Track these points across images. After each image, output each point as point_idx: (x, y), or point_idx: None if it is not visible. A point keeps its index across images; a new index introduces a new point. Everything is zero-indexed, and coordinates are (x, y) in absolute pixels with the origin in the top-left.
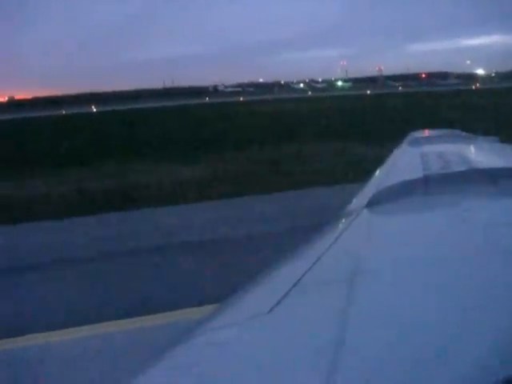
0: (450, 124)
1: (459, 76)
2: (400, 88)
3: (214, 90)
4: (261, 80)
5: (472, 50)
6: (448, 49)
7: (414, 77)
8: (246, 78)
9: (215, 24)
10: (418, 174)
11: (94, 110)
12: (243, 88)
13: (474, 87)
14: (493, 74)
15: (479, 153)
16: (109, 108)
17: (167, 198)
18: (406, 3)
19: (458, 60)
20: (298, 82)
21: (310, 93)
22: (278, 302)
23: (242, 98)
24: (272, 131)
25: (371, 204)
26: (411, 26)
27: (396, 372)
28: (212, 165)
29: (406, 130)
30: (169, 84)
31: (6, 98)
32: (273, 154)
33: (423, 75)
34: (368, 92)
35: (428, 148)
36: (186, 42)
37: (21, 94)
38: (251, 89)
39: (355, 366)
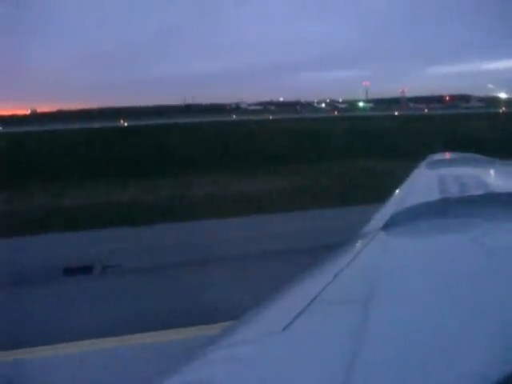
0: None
1: (481, 99)
2: (426, 110)
3: (237, 108)
4: (281, 99)
5: (492, 74)
6: (468, 72)
7: (436, 99)
8: (265, 97)
9: (234, 42)
10: (435, 196)
11: (142, 123)
12: (265, 106)
13: (500, 110)
14: None
15: (497, 176)
16: (150, 122)
17: (275, 205)
18: (426, 26)
19: (479, 83)
20: (320, 102)
21: (336, 113)
22: (293, 321)
23: (271, 117)
24: (329, 148)
25: (388, 225)
26: (431, 48)
27: None
28: (291, 177)
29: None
30: (188, 101)
31: (29, 111)
32: (339, 168)
33: (447, 98)
34: (396, 113)
35: (446, 171)
36: (205, 59)
37: (42, 108)
38: (272, 107)
39: None
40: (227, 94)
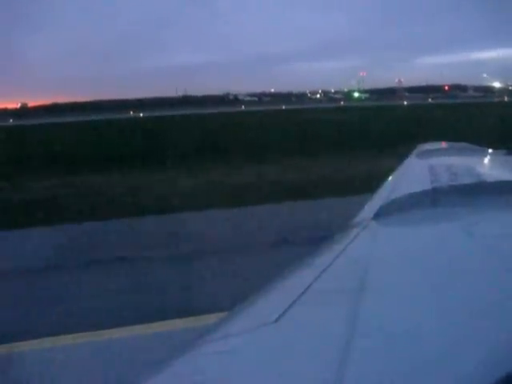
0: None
1: (478, 89)
2: (430, 100)
3: (235, 99)
4: (272, 90)
5: (484, 63)
6: (459, 62)
7: (432, 89)
8: (256, 88)
9: (224, 33)
10: (425, 186)
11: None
12: (259, 97)
13: (505, 99)
14: (510, 87)
15: (487, 165)
16: (165, 113)
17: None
18: (418, 17)
19: (471, 72)
20: (313, 93)
21: (342, 103)
22: (285, 311)
23: (284, 107)
24: (342, 138)
25: (378, 215)
26: (422, 39)
27: (402, 382)
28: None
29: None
30: (180, 93)
31: (19, 105)
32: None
33: (446, 87)
34: (432, 101)
35: (436, 160)
36: (195, 50)
37: (34, 102)
38: (268, 98)
39: (361, 375)
40: (217, 85)
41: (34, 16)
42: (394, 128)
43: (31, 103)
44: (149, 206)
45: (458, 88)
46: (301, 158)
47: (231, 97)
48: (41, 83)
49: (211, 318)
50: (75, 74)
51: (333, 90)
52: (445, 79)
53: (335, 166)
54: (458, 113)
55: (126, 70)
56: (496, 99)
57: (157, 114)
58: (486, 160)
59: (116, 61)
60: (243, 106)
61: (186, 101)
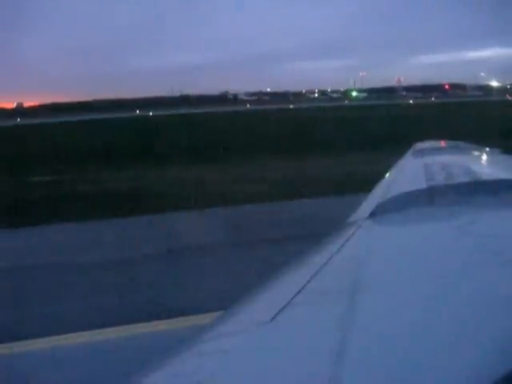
0: None
1: (477, 88)
2: (433, 99)
3: (234, 98)
4: (268, 89)
5: (480, 62)
6: (456, 61)
7: (432, 88)
8: (252, 87)
9: (220, 33)
10: (421, 184)
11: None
12: (259, 96)
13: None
14: (508, 86)
15: (483, 164)
16: (174, 112)
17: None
18: (416, 16)
19: (468, 71)
20: (312, 92)
21: (346, 101)
22: (281, 311)
23: (291, 106)
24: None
25: (374, 214)
26: (419, 38)
27: (397, 382)
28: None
29: None
30: (177, 92)
31: (15, 105)
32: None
33: (446, 86)
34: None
35: (432, 159)
36: (190, 50)
37: (29, 101)
38: (267, 97)
39: (357, 375)
40: (212, 84)
41: (28, 16)
42: (390, 127)
43: (26, 103)
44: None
45: (457, 87)
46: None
47: (230, 96)
48: (37, 83)
49: None
50: (72, 73)
51: (329, 90)
52: (443, 78)
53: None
54: (462, 111)
55: (121, 69)
56: (496, 98)
57: (203, 110)
58: (482, 159)
59: (111, 61)
60: (248, 105)
61: (188, 101)
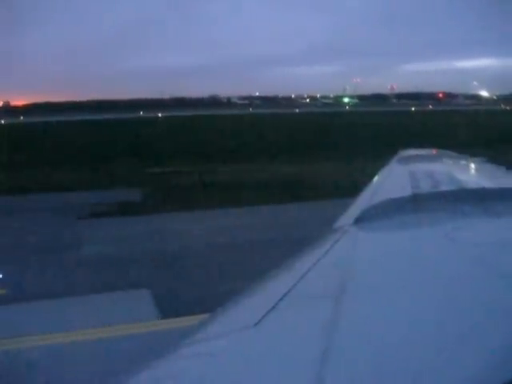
0: None
1: (468, 97)
2: (430, 106)
3: (228, 102)
4: (257, 93)
5: (470, 72)
6: (449, 69)
7: (425, 96)
8: (241, 92)
9: (208, 36)
10: (405, 192)
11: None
12: (250, 101)
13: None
14: (494, 97)
15: (466, 173)
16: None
17: None
18: (406, 25)
19: (461, 81)
20: (302, 98)
21: (346, 107)
22: (265, 316)
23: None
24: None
25: (359, 220)
26: (409, 47)
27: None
28: None
29: None
30: (165, 95)
31: (1, 103)
32: None
33: (440, 95)
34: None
35: (416, 167)
36: (180, 53)
37: (16, 100)
38: (258, 101)
39: (341, 379)
40: (200, 88)
41: (17, 16)
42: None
43: (13, 102)
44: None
45: (449, 96)
46: None
47: (224, 100)
48: (26, 82)
49: None
50: (61, 73)
51: (318, 96)
52: (436, 86)
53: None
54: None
55: (111, 71)
56: (489, 107)
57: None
58: (465, 167)
59: (102, 62)
60: (251, 109)
61: (183, 103)
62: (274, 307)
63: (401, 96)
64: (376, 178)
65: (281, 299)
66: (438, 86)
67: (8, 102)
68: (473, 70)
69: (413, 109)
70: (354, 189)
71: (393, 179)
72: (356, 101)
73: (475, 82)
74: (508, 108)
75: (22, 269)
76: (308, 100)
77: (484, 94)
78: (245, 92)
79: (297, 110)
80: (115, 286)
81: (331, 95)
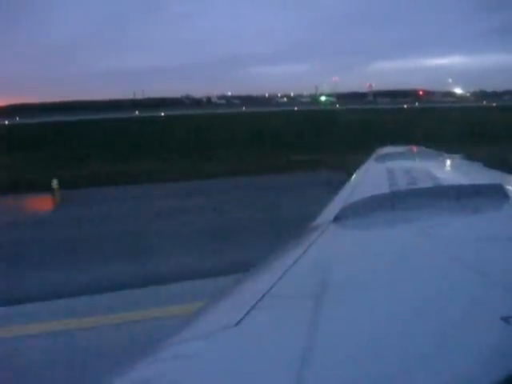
0: None
1: (445, 94)
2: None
3: (208, 102)
4: (229, 93)
5: (448, 69)
6: (425, 67)
7: (404, 94)
8: (213, 91)
9: (180, 36)
10: (384, 189)
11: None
12: (228, 100)
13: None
14: (467, 94)
15: (444, 169)
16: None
17: None
18: (380, 23)
19: (435, 78)
20: (283, 96)
21: (336, 106)
22: (245, 315)
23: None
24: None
25: (338, 218)
26: (381, 44)
27: None
28: None
29: None
30: (138, 96)
31: None
32: None
33: (420, 92)
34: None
35: (394, 164)
36: (152, 54)
37: None
38: (236, 101)
39: (321, 378)
40: (173, 88)
41: None
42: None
43: None
44: None
45: (427, 93)
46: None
47: (204, 99)
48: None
49: None
50: (24, 75)
51: (292, 94)
52: (413, 84)
53: None
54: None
55: (82, 71)
56: (468, 104)
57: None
58: (443, 164)
59: (72, 63)
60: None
61: (164, 104)
62: (253, 307)
63: (379, 94)
64: (354, 176)
65: (261, 299)
66: (414, 84)
67: None
68: (445, 68)
69: (395, 107)
70: None
71: (371, 177)
72: (333, 99)
73: (450, 80)
74: (494, 105)
75: None
76: (285, 99)
77: (458, 90)
78: (217, 92)
79: (295, 108)
80: None
81: (304, 93)
